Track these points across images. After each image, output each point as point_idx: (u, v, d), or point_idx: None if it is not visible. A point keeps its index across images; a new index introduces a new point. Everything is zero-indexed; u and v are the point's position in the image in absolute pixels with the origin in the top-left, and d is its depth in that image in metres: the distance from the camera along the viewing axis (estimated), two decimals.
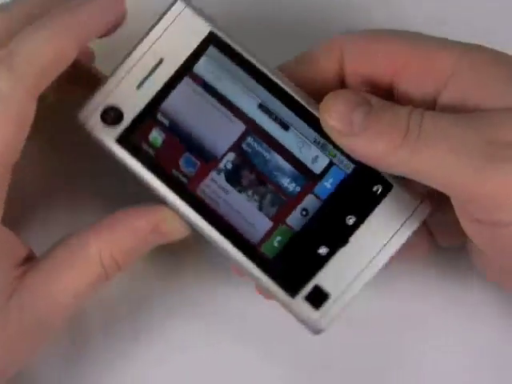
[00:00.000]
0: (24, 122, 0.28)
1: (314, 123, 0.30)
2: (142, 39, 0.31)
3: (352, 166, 0.30)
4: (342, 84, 0.32)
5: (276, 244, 0.31)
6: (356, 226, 0.30)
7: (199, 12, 0.31)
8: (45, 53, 0.28)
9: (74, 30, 0.29)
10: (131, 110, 0.31)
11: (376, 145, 0.28)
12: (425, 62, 0.30)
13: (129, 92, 0.31)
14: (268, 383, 0.36)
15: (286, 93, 0.31)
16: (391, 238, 0.30)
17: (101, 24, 0.30)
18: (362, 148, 0.28)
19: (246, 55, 0.31)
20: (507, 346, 0.35)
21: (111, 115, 0.31)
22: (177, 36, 0.31)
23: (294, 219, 0.31)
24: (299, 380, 0.36)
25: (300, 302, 0.30)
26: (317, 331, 0.31)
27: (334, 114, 0.29)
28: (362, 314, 0.35)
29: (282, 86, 0.31)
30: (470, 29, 0.35)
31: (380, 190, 0.30)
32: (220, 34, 0.31)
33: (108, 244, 0.30)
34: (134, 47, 0.31)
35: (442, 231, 0.34)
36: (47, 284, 0.30)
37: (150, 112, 0.31)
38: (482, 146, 0.27)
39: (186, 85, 0.31)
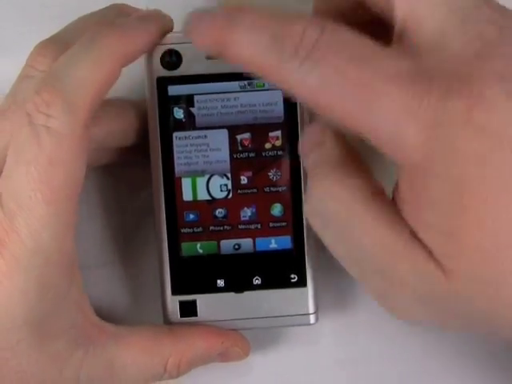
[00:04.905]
0: (84, 153, 0.27)
1: None
2: None
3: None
4: None
5: None
6: (257, 286, 0.32)
7: None
8: (96, 79, 0.26)
9: (121, 50, 0.27)
10: None
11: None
12: None
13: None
14: None
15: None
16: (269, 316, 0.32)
17: (146, 42, 0.28)
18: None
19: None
20: None
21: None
22: None
23: None
24: None
25: (175, 302, 0.32)
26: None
27: None
28: None
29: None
30: None
31: (295, 280, 0.32)
32: None
33: (180, 353, 0.31)
34: None
35: None
36: (114, 355, 0.30)
37: None
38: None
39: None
